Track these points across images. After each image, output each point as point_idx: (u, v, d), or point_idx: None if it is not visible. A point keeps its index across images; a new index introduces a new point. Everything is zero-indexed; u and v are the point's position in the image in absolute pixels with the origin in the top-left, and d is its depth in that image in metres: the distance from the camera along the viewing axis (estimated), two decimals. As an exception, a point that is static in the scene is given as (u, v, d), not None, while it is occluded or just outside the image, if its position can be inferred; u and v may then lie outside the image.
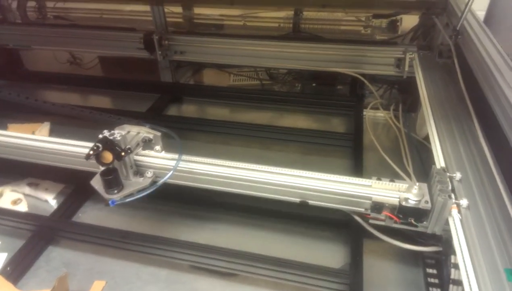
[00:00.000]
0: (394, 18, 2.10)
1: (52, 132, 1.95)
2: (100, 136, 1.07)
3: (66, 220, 1.44)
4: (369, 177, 1.06)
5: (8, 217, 1.39)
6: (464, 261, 0.80)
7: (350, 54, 1.90)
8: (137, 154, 1.16)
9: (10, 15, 2.63)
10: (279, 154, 1.77)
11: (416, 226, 1.00)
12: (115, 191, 1.07)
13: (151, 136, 1.16)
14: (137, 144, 1.15)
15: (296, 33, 2.26)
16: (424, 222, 0.99)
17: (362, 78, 1.96)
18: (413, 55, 1.73)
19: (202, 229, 1.41)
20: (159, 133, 1.17)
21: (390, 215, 1.00)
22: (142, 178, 1.14)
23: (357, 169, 1.56)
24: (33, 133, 1.91)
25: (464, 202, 0.92)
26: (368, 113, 1.94)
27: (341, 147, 1.76)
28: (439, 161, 1.08)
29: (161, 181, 1.10)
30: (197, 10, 2.50)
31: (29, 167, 1.67)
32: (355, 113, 1.92)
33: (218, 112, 2.15)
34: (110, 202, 1.03)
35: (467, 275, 0.77)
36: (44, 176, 1.64)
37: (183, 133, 1.90)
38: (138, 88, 2.31)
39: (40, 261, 1.30)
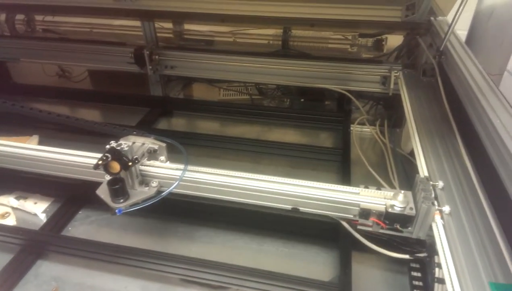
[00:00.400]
0: (379, 37, 2.18)
1: (41, 144, 1.94)
2: (108, 146, 1.10)
3: (56, 234, 1.43)
4: (357, 186, 1.12)
5: (-4, 231, 1.38)
6: (447, 264, 0.85)
7: (337, 71, 1.96)
8: (142, 164, 1.19)
9: (-1, 28, 2.62)
10: (268, 167, 1.80)
11: (401, 232, 1.06)
12: (121, 200, 1.10)
13: (156, 147, 1.20)
14: (143, 155, 1.18)
15: (285, 50, 2.31)
16: (409, 228, 1.05)
17: (349, 95, 2.02)
18: (398, 73, 1.79)
19: (193, 242, 1.42)
20: (164, 144, 1.21)
21: (377, 221, 1.06)
22: (147, 188, 1.17)
23: (345, 182, 1.59)
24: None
25: (446, 209, 0.99)
26: (355, 128, 1.99)
27: (329, 161, 1.80)
28: (423, 170, 1.14)
29: (167, 191, 1.14)
30: (188, 26, 2.53)
31: (17, 180, 1.66)
32: (342, 128, 1.97)
33: (208, 126, 2.17)
34: (117, 210, 1.06)
35: (450, 276, 0.82)
36: (33, 189, 1.63)
37: (173, 147, 1.93)
38: (128, 102, 2.32)
39: (29, 276, 1.29)
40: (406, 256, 1.14)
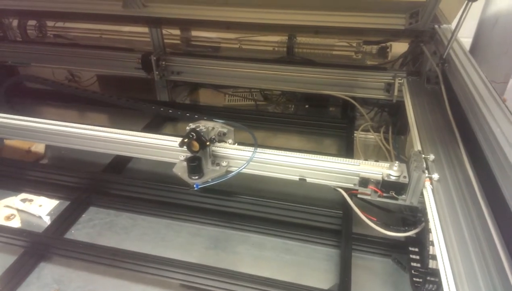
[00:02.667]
0: (384, 44, 2.18)
1: (48, 148, 1.98)
2: (189, 128, 1.23)
3: (59, 237, 1.45)
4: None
5: (1, 233, 1.40)
6: (434, 224, 0.96)
7: (341, 78, 1.96)
8: (214, 145, 1.29)
9: (11, 33, 2.68)
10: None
11: (396, 199, 1.16)
12: (196, 177, 1.22)
13: (225, 130, 1.30)
14: (214, 137, 1.29)
15: (290, 57, 2.32)
16: (403, 196, 1.16)
17: (353, 101, 2.02)
18: (402, 81, 1.79)
19: (194, 247, 1.43)
20: (232, 128, 1.31)
21: (375, 188, 1.17)
22: (218, 167, 1.28)
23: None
24: (29, 148, 1.94)
25: (435, 176, 1.10)
26: (359, 135, 1.99)
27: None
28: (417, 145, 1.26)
29: (237, 170, 1.25)
30: (195, 33, 2.56)
31: (24, 183, 1.70)
32: (346, 135, 1.97)
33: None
34: (195, 185, 1.18)
35: (437, 236, 0.93)
36: (39, 192, 1.66)
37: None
38: (133, 106, 2.34)
39: (31, 278, 1.31)
40: (400, 234, 1.24)
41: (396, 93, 1.82)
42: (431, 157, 1.18)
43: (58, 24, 2.74)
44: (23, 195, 1.64)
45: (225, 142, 1.32)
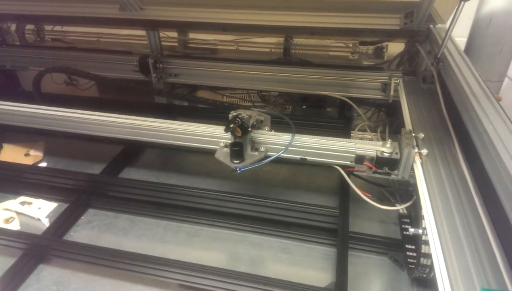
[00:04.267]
0: (380, 45, 2.19)
1: (46, 151, 1.98)
2: (231, 115, 1.30)
3: (58, 239, 1.46)
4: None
5: (0, 235, 1.41)
6: (424, 194, 1.05)
7: (338, 78, 1.97)
8: (253, 132, 1.35)
9: (9, 37, 2.69)
10: (269, 174, 1.81)
11: (389, 174, 1.26)
12: (238, 161, 1.29)
13: (262, 118, 1.37)
14: (255, 123, 1.36)
15: (287, 58, 2.33)
16: (396, 171, 1.25)
17: (350, 102, 2.03)
18: (398, 81, 1.80)
19: (192, 248, 1.44)
20: (268, 116, 1.39)
21: (370, 165, 1.26)
22: (257, 152, 1.34)
23: (345, 189, 1.60)
24: (27, 152, 1.95)
25: (424, 151, 1.20)
26: (356, 134, 1.99)
27: (329, 168, 1.80)
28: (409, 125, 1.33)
29: (277, 155, 1.32)
30: (192, 35, 2.57)
31: (23, 186, 1.71)
32: (343, 135, 1.98)
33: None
34: (238, 169, 1.25)
35: (426, 205, 1.01)
36: (37, 194, 1.67)
37: (177, 153, 1.96)
38: (133, 109, 2.35)
39: (30, 280, 1.32)
40: (393, 208, 1.40)
41: (392, 93, 1.83)
42: (421, 135, 1.28)
43: (56, 28, 2.75)
44: (22, 198, 1.65)
45: (263, 129, 1.39)
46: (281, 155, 1.31)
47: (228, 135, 1.32)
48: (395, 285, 1.28)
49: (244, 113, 1.31)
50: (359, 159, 1.28)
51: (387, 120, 2.06)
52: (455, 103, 1.34)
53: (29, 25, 2.70)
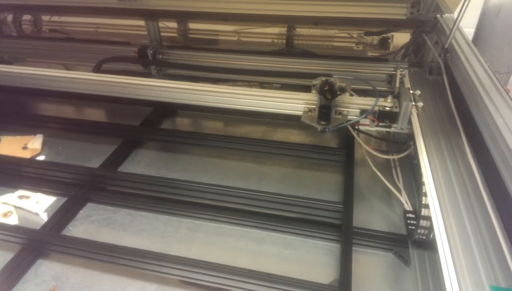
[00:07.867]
0: (385, 35, 2.14)
1: (45, 144, 1.95)
2: (320, 81, 1.39)
3: (56, 234, 1.43)
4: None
5: (-2, 230, 1.39)
6: (419, 141, 1.20)
7: (342, 69, 1.93)
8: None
9: (6, 28, 2.65)
10: (272, 167, 1.78)
11: (390, 127, 1.40)
12: (324, 123, 1.39)
13: (344, 84, 1.41)
14: (344, 87, 1.43)
15: (290, 49, 2.29)
16: (395, 124, 1.38)
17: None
18: (404, 72, 1.76)
19: (193, 243, 1.41)
20: (349, 82, 1.46)
21: (373, 118, 1.40)
22: (340, 116, 1.43)
23: (348, 183, 1.57)
24: (25, 145, 1.92)
25: (420, 104, 1.38)
26: (360, 128, 1.96)
27: (333, 162, 1.78)
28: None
29: (357, 119, 1.42)
30: (192, 25, 2.53)
31: (21, 179, 1.68)
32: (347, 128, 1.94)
33: (212, 126, 2.16)
34: (327, 129, 1.38)
35: (422, 153, 1.16)
36: (36, 188, 1.64)
37: (177, 147, 1.94)
38: (132, 102, 2.31)
39: (29, 274, 1.29)
40: (392, 157, 1.61)
41: (397, 84, 1.79)
42: (418, 92, 1.44)
43: (53, 18, 2.71)
44: (20, 192, 1.62)
45: (345, 94, 1.45)
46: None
47: (312, 99, 1.44)
48: (400, 282, 1.25)
49: (331, 79, 1.41)
50: (363, 113, 1.41)
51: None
52: (463, 95, 1.31)
53: (26, 16, 2.66)
